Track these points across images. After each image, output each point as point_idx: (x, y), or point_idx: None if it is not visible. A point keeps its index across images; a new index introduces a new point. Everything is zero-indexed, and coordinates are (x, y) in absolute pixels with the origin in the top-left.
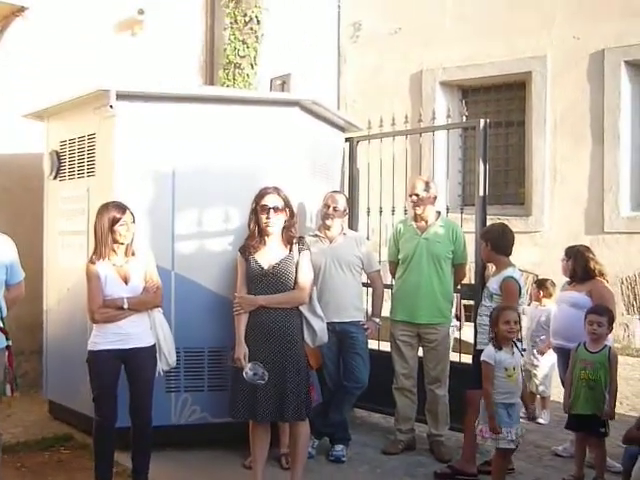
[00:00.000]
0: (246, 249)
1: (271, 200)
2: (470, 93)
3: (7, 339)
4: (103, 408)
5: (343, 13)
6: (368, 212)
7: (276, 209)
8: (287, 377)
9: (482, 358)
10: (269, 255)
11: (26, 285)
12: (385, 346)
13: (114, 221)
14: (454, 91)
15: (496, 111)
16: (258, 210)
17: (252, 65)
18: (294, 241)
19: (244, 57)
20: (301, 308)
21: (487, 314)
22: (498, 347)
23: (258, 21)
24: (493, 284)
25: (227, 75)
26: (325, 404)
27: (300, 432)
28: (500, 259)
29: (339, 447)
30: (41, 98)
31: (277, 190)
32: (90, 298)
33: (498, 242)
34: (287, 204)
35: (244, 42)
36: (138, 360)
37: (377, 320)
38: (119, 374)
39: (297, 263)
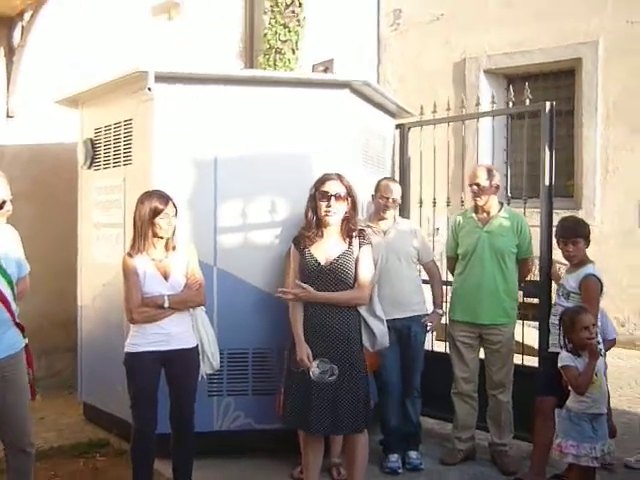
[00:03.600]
0: (301, 241)
1: (333, 187)
2: (516, 81)
3: (24, 337)
4: (142, 414)
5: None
6: (420, 203)
7: (338, 197)
8: (343, 384)
9: (563, 363)
10: (327, 249)
11: (60, 280)
12: (440, 345)
13: (155, 212)
14: (499, 79)
15: (543, 100)
16: (317, 197)
17: (293, 50)
18: (354, 234)
19: (285, 42)
20: (359, 309)
21: None
22: (577, 354)
23: (300, 3)
24: (571, 282)
25: (267, 60)
26: (380, 407)
27: (357, 443)
28: (584, 254)
29: (414, 454)
30: (75, 84)
31: (340, 177)
32: (128, 296)
33: (589, 236)
34: (350, 193)
35: (285, 26)
36: (180, 363)
37: (440, 311)
38: (159, 378)
39: (357, 259)
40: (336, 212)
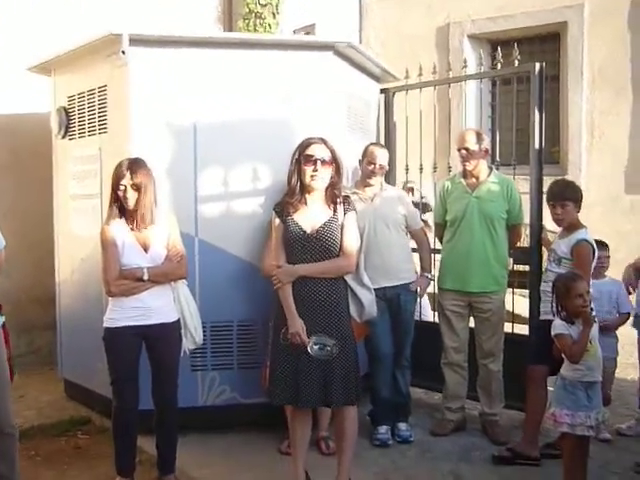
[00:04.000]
0: (284, 208)
1: (318, 151)
2: (501, 46)
3: (1, 315)
4: (123, 392)
5: None
6: (406, 169)
7: (323, 162)
8: (335, 357)
9: (556, 332)
10: (311, 216)
11: (38, 255)
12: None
13: (116, 183)
14: (483, 44)
15: None
16: (302, 161)
17: (274, 14)
18: (339, 201)
19: (265, 5)
20: (346, 278)
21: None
22: (570, 321)
23: None
24: (562, 247)
25: (247, 25)
26: (371, 377)
27: (347, 416)
28: (576, 219)
29: (403, 426)
30: (48, 51)
31: (324, 141)
32: (105, 267)
33: (580, 199)
34: (334, 157)
35: None
36: (161, 337)
37: (429, 275)
38: (140, 353)
39: (342, 226)
40: (322, 177)
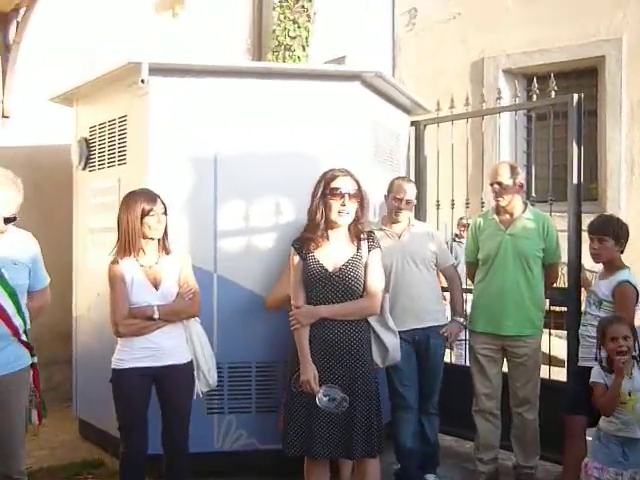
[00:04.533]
0: (304, 244)
1: (344, 183)
2: (536, 81)
3: (32, 355)
4: (131, 438)
5: None
6: (437, 205)
7: (350, 195)
8: (356, 405)
9: (592, 379)
10: (334, 254)
11: (60, 289)
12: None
13: (144, 212)
14: (518, 79)
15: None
16: (327, 195)
17: (304, 47)
18: (362, 237)
19: (295, 38)
20: (370, 320)
21: (593, 324)
22: (608, 370)
23: None
24: (602, 289)
25: (276, 58)
26: (395, 428)
27: (370, 471)
28: (618, 259)
29: (431, 478)
30: (72, 81)
31: (349, 173)
32: (113, 307)
33: (622, 237)
34: (359, 190)
35: (295, 22)
36: (172, 380)
37: (460, 320)
38: (149, 397)
39: (366, 264)
40: (349, 212)
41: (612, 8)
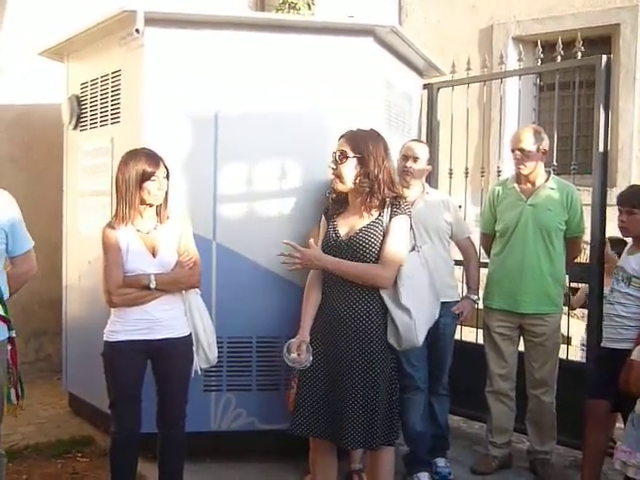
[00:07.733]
0: (329, 210)
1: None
2: (547, 49)
3: (10, 329)
4: (123, 417)
5: None
6: (450, 174)
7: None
8: (356, 390)
9: (632, 357)
10: (352, 220)
11: (50, 254)
12: (470, 335)
13: (144, 175)
14: (529, 47)
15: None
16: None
17: (309, 5)
18: (387, 202)
19: None
20: (383, 295)
21: (621, 302)
22: None
23: None
24: (632, 264)
25: None
26: (403, 410)
27: (385, 459)
28: None
29: (442, 462)
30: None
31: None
32: (107, 274)
33: None
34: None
35: None
36: (169, 355)
37: (474, 297)
38: (144, 373)
39: (385, 231)
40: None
41: None
